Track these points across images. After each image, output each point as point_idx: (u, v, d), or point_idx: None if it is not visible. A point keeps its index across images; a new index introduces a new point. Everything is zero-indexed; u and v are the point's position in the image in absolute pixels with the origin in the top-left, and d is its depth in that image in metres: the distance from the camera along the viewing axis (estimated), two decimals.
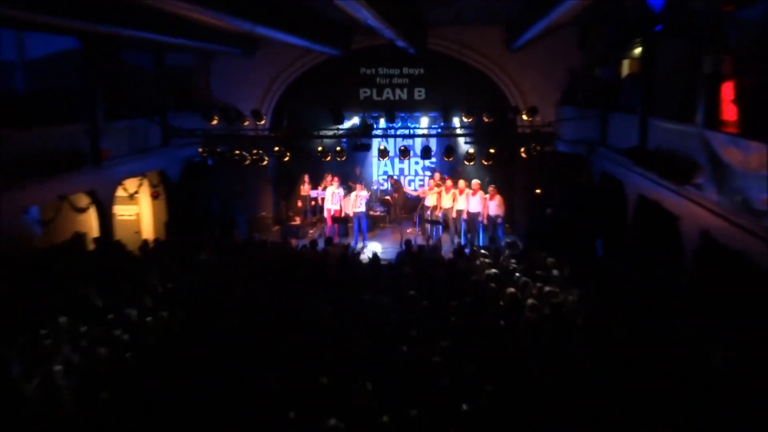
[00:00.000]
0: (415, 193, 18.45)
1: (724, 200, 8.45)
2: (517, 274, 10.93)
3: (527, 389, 7.00)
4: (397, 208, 18.93)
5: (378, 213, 18.58)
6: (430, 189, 17.37)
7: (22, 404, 6.82)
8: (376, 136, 16.93)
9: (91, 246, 13.67)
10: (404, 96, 18.12)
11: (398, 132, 17.71)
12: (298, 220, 18.17)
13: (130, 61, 16.26)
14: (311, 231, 17.76)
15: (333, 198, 17.10)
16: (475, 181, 16.46)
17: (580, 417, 6.43)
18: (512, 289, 9.83)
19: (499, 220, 16.34)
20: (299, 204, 18.45)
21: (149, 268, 11.98)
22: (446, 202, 16.79)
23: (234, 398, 6.95)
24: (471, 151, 15.74)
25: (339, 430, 6.11)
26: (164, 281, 11.10)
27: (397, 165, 19.77)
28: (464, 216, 16.42)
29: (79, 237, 13.76)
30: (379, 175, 19.98)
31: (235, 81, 17.93)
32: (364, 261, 13.16)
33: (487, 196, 16.23)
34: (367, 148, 16.48)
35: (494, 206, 16.19)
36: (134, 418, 6.55)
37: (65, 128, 12.04)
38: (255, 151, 15.70)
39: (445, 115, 15.98)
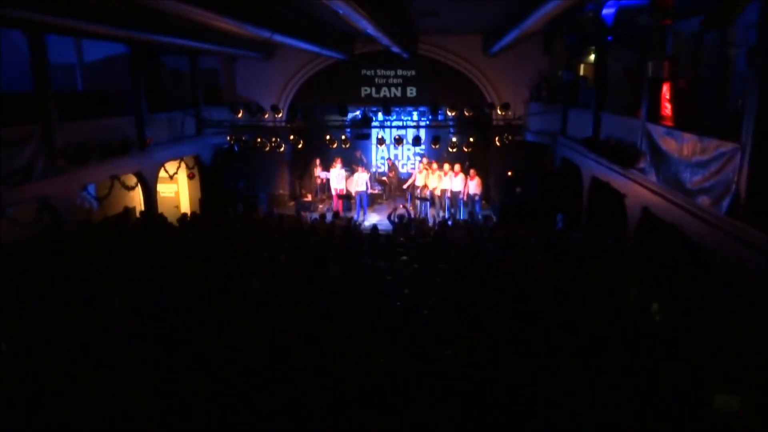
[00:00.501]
0: (408, 183, 18.42)
1: (662, 181, 8.60)
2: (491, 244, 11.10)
3: (500, 335, 7.19)
4: (392, 187, 19.05)
5: (376, 191, 18.68)
6: (419, 172, 17.49)
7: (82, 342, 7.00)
8: (375, 126, 16.96)
9: (138, 218, 13.82)
10: (398, 93, 18.09)
11: (393, 123, 17.73)
12: (310, 197, 18.25)
13: (169, 64, 16.20)
14: (321, 206, 17.85)
15: (338, 178, 17.20)
16: (457, 165, 16.60)
17: (543, 354, 6.63)
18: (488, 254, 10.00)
19: (477, 198, 16.49)
20: (313, 183, 18.55)
21: (187, 236, 12.13)
22: (433, 182, 16.92)
23: (259, 343, 7.11)
24: (454, 139, 15.83)
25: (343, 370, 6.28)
26: (199, 247, 11.24)
27: (393, 151, 19.81)
28: (448, 194, 16.56)
29: (128, 211, 13.86)
30: (377, 160, 20.03)
31: (256, 81, 17.86)
32: (365, 231, 13.30)
33: (469, 177, 16.38)
34: (368, 137, 16.56)
35: (474, 186, 16.33)
36: (174, 361, 6.68)
37: (116, 120, 12.06)
38: (274, 139, 15.73)
39: (432, 110, 16.01)
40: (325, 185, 18.36)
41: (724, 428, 5.35)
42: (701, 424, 5.40)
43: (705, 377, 6.03)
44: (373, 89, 18.09)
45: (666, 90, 9.15)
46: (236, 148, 16.31)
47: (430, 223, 14.33)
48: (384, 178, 19.11)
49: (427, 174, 17.07)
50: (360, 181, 16.78)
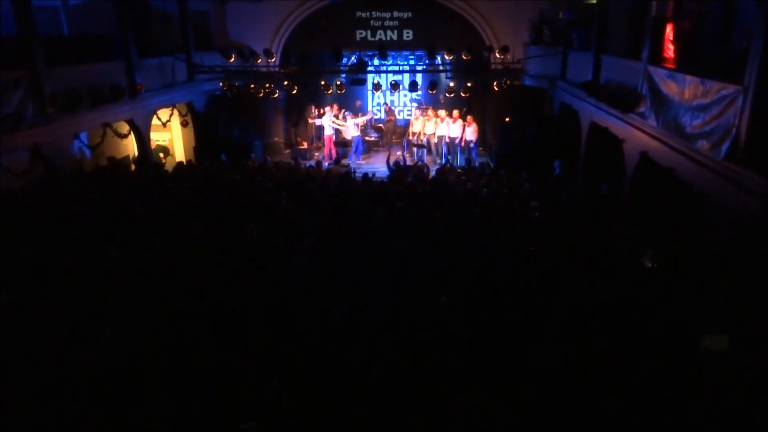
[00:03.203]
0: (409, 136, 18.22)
1: (661, 126, 8.52)
2: (485, 190, 11.12)
3: (495, 279, 7.28)
4: (389, 134, 18.88)
5: (373, 138, 18.51)
6: (416, 118, 17.31)
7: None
8: (371, 72, 16.65)
9: (133, 166, 13.71)
10: (394, 37, 17.67)
11: (389, 68, 17.40)
12: (305, 145, 18.11)
13: (157, 6, 15.67)
14: (317, 153, 17.73)
15: (327, 125, 17.00)
16: (456, 111, 16.41)
17: (537, 298, 6.75)
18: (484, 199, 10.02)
19: (473, 144, 16.39)
20: (309, 130, 18.35)
21: (183, 184, 12.08)
22: (429, 128, 16.76)
23: (257, 286, 7.20)
24: (451, 84, 15.57)
25: (342, 316, 6.37)
26: (196, 196, 11.21)
27: (389, 97, 19.51)
28: (446, 140, 16.43)
29: (113, 161, 13.58)
30: (373, 106, 19.75)
31: (248, 24, 17.37)
32: (357, 178, 13.17)
33: (466, 123, 16.23)
34: (363, 82, 16.28)
35: (470, 132, 16.19)
36: (174, 308, 6.76)
37: (105, 65, 11.73)
38: (267, 85, 15.42)
39: (429, 54, 15.67)
40: (320, 132, 18.20)
41: (713, 367, 5.50)
42: (690, 364, 5.54)
43: (695, 319, 6.16)
44: (369, 32, 17.65)
45: (669, 31, 8.94)
46: (229, 95, 16.01)
47: (426, 170, 14.23)
48: (381, 125, 18.90)
49: (424, 120, 16.90)
50: (353, 128, 16.69)
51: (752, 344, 5.54)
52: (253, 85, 15.32)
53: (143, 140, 13.12)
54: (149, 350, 5.77)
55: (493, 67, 15.79)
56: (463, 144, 16.32)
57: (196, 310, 6.62)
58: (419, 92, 17.73)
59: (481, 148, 17.22)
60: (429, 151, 16.93)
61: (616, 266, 7.48)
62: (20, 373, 5.38)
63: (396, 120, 19.20)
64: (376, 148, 18.43)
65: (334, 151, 16.99)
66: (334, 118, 16.84)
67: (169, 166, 14.51)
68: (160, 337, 6.06)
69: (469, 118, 16.30)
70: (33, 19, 9.35)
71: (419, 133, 16.98)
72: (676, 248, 7.74)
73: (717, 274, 6.63)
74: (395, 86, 15.85)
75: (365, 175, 12.65)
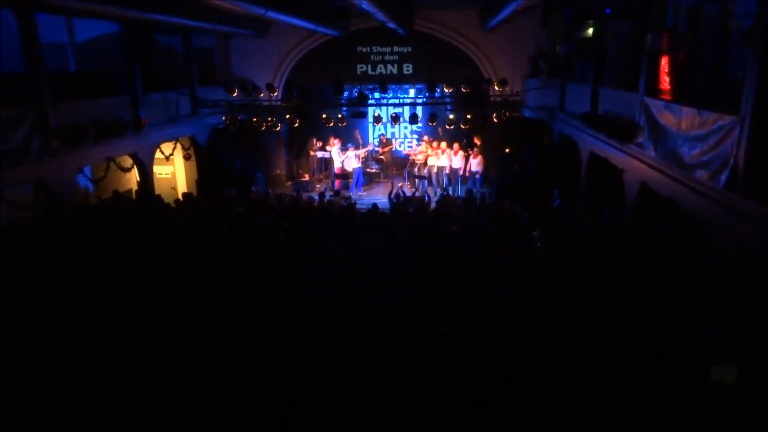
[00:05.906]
0: (410, 153, 18.35)
1: (660, 156, 8.57)
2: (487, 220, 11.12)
3: (497, 311, 7.23)
4: (390, 165, 18.99)
5: (374, 170, 18.63)
6: (420, 151, 17.46)
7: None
8: (371, 105, 16.86)
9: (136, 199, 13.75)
10: (395, 70, 17.98)
11: (390, 101, 17.62)
12: (307, 177, 18.21)
13: (162, 42, 15.98)
14: (318, 185, 17.83)
15: (337, 157, 17.16)
16: (456, 144, 16.58)
17: (539, 329, 6.69)
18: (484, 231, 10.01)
19: (478, 176, 16.51)
20: (311, 162, 18.49)
21: (184, 217, 12.11)
22: (431, 160, 16.90)
23: (260, 316, 7.16)
24: (451, 117, 15.75)
25: (342, 347, 6.32)
26: (198, 228, 11.22)
27: (389, 129, 19.71)
28: (447, 171, 16.56)
29: (118, 194, 13.65)
30: (374, 138, 19.93)
31: (251, 59, 17.69)
32: (361, 209, 13.20)
33: (472, 155, 16.37)
34: (364, 115, 16.48)
35: (475, 164, 16.36)
36: (173, 343, 6.71)
37: (110, 100, 11.91)
38: (270, 119, 15.60)
39: (429, 87, 15.89)
40: (322, 164, 18.30)
41: (721, 399, 5.42)
42: (697, 395, 5.47)
43: (701, 349, 6.10)
44: (369, 66, 17.97)
45: (665, 63, 9.07)
46: (232, 128, 16.19)
47: (427, 200, 14.28)
48: (381, 156, 19.04)
49: (427, 152, 17.08)
50: (354, 160, 16.82)
51: (759, 374, 5.47)
52: (255, 119, 15.51)
53: (146, 174, 13.21)
54: (150, 381, 5.71)
55: (492, 99, 16.00)
56: (468, 175, 16.45)
57: (198, 340, 6.56)
58: (420, 124, 17.91)
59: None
60: (430, 182, 17.02)
61: (619, 295, 7.43)
62: (21, 405, 5.32)
63: (393, 149, 19.31)
64: (377, 180, 18.52)
65: (337, 183, 17.09)
66: (338, 150, 17.01)
67: (168, 198, 14.55)
68: (161, 368, 6.00)
69: (475, 150, 16.50)
70: (41, 56, 9.53)
71: (420, 164, 17.10)
72: (679, 278, 7.71)
73: (720, 302, 6.58)
74: (395, 119, 16.03)
75: (374, 205, 12.66)
